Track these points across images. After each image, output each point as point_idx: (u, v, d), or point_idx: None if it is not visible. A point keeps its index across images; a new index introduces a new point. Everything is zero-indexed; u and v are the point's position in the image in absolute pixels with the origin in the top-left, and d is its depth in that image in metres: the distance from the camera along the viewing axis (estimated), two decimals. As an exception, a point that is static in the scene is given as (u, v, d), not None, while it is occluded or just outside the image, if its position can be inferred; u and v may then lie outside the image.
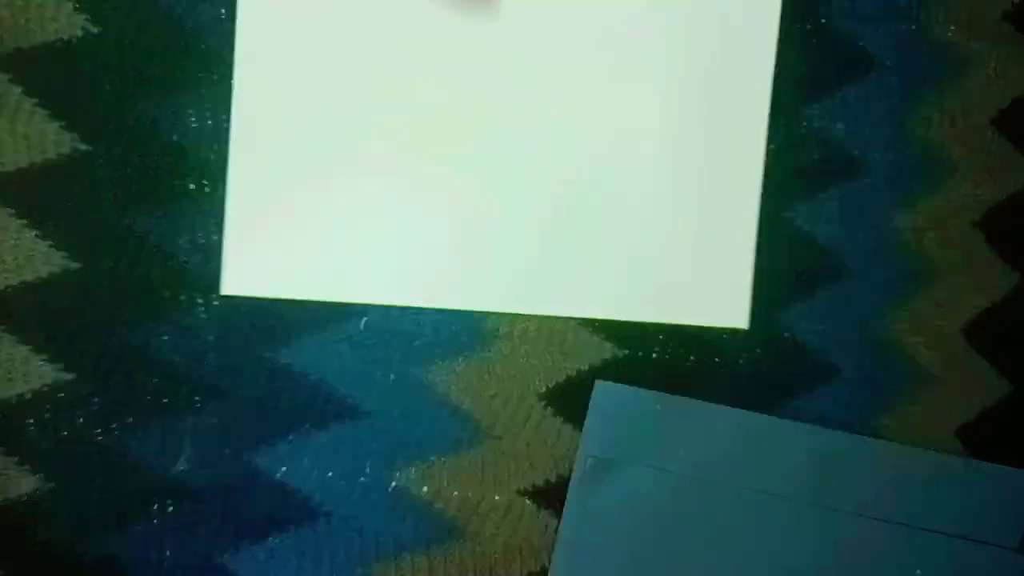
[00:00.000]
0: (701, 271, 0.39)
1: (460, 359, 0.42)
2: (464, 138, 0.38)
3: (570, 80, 0.39)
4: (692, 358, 0.43)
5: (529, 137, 0.38)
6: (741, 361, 0.43)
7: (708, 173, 0.39)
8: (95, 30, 0.40)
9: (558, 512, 0.42)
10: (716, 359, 0.43)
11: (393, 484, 0.42)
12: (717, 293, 0.39)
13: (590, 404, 0.42)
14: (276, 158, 0.39)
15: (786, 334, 0.44)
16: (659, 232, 0.38)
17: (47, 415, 0.40)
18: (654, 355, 0.43)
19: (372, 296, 0.39)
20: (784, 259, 0.43)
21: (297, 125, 0.38)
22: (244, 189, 0.38)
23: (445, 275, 0.39)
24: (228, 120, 0.40)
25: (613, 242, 0.38)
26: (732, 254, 0.39)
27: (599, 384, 0.42)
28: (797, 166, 0.43)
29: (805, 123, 0.43)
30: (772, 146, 0.43)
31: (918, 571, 0.43)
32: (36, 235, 0.40)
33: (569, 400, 0.43)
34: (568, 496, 0.42)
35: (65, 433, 0.40)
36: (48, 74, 0.40)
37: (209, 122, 0.40)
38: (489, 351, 0.42)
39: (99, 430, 0.41)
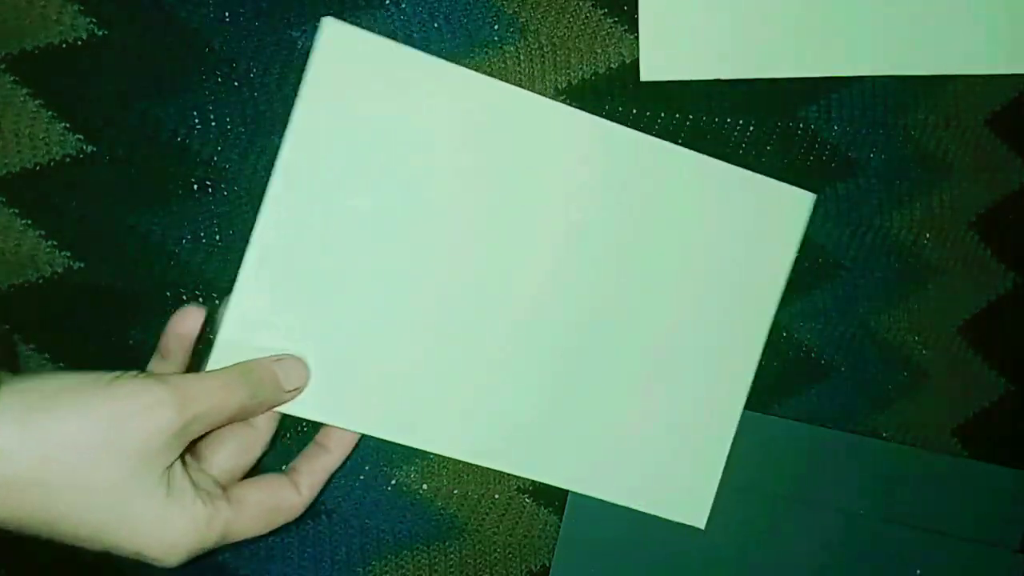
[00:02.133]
0: (673, 467, 0.40)
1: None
2: (484, 302, 0.38)
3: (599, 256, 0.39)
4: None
5: (540, 305, 0.39)
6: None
7: (700, 376, 0.40)
8: (100, 32, 0.40)
9: (558, 510, 0.42)
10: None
11: (393, 482, 0.42)
12: (683, 491, 0.40)
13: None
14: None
15: (784, 334, 0.44)
16: (642, 420, 0.39)
17: (49, 414, 0.40)
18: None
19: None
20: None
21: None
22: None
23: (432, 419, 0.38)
24: (230, 121, 0.41)
25: (594, 416, 0.39)
26: (706, 458, 0.40)
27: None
28: (794, 167, 0.43)
29: (802, 124, 0.43)
30: (770, 147, 0.43)
31: (918, 571, 0.43)
32: (40, 235, 0.40)
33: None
34: (568, 498, 0.42)
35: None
36: (53, 75, 0.40)
37: (213, 123, 0.41)
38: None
39: (101, 429, 0.41)
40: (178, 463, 0.32)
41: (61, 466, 0.29)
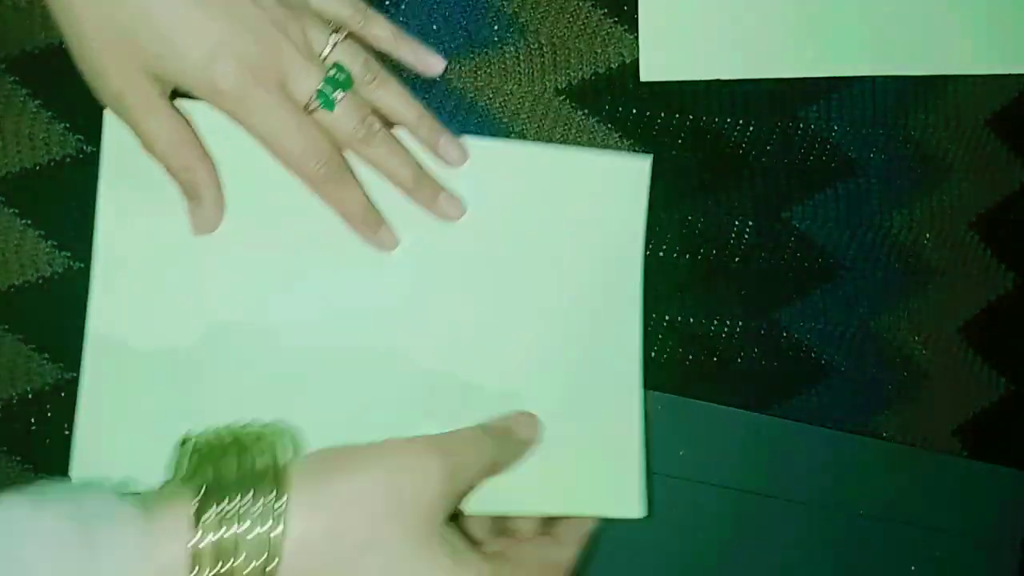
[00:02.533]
0: (589, 465, 0.39)
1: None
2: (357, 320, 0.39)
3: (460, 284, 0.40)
4: (690, 357, 0.43)
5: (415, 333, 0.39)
6: (739, 361, 0.44)
7: (586, 367, 0.40)
8: (100, 33, 0.40)
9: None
10: (715, 358, 0.43)
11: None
12: (609, 486, 0.40)
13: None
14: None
15: (784, 334, 0.44)
16: (544, 424, 0.39)
17: (49, 415, 0.40)
18: (653, 354, 0.43)
19: None
20: (782, 259, 0.44)
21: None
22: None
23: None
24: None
25: None
26: (619, 447, 0.40)
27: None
28: (795, 167, 0.43)
29: (802, 124, 0.43)
30: (770, 147, 0.43)
31: (912, 567, 0.43)
32: (40, 235, 0.40)
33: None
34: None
35: (67, 433, 0.40)
36: (53, 76, 0.40)
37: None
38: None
39: (101, 429, 0.41)
40: (450, 524, 0.33)
41: (354, 521, 0.30)
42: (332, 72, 0.36)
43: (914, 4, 0.43)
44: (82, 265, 0.40)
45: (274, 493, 0.29)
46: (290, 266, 0.39)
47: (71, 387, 0.40)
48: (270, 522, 0.29)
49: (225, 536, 0.29)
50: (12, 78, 0.40)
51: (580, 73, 0.42)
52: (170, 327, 0.39)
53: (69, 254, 0.40)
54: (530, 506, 0.39)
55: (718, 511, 0.42)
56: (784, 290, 0.44)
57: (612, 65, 0.43)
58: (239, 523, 0.29)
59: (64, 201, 0.40)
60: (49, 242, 0.40)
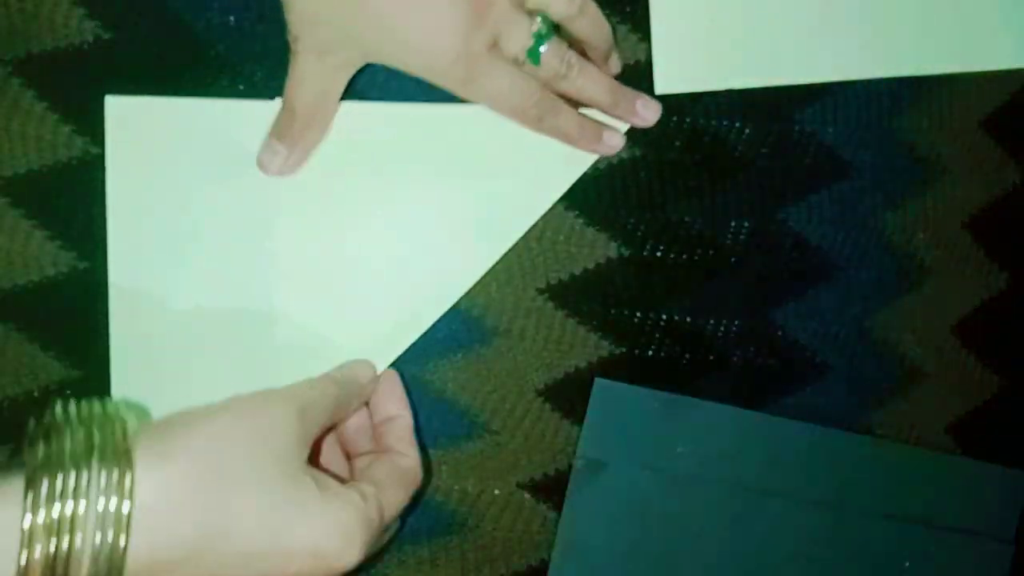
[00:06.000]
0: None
1: (459, 355, 0.43)
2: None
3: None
4: (688, 356, 0.44)
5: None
6: (736, 359, 0.44)
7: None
8: (106, 36, 0.40)
9: (556, 505, 0.43)
10: (711, 357, 0.44)
11: (394, 479, 0.43)
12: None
13: (589, 401, 0.43)
14: None
15: (780, 333, 0.44)
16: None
17: (55, 412, 0.41)
18: (650, 352, 0.43)
19: None
20: (778, 259, 0.44)
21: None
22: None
23: None
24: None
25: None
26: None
27: (599, 382, 0.43)
28: (790, 169, 0.44)
29: (798, 127, 0.44)
30: (766, 149, 0.44)
31: (906, 563, 0.43)
32: (46, 236, 0.41)
33: (567, 397, 0.43)
34: (567, 495, 0.42)
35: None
36: (60, 78, 0.40)
37: (216, 125, 0.41)
38: (487, 348, 0.43)
39: (106, 427, 0.41)
40: (308, 465, 0.33)
41: (211, 469, 0.30)
42: (538, 26, 0.37)
43: (917, 4, 0.43)
44: (88, 265, 0.41)
45: (117, 468, 0.28)
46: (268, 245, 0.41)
47: (77, 385, 0.41)
48: (114, 498, 0.27)
49: (62, 513, 0.27)
50: (19, 80, 0.40)
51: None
52: (186, 312, 0.41)
53: (75, 254, 0.41)
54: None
55: (715, 507, 0.43)
56: (780, 290, 0.44)
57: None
58: (75, 500, 0.27)
59: (70, 202, 0.41)
60: (55, 243, 0.41)
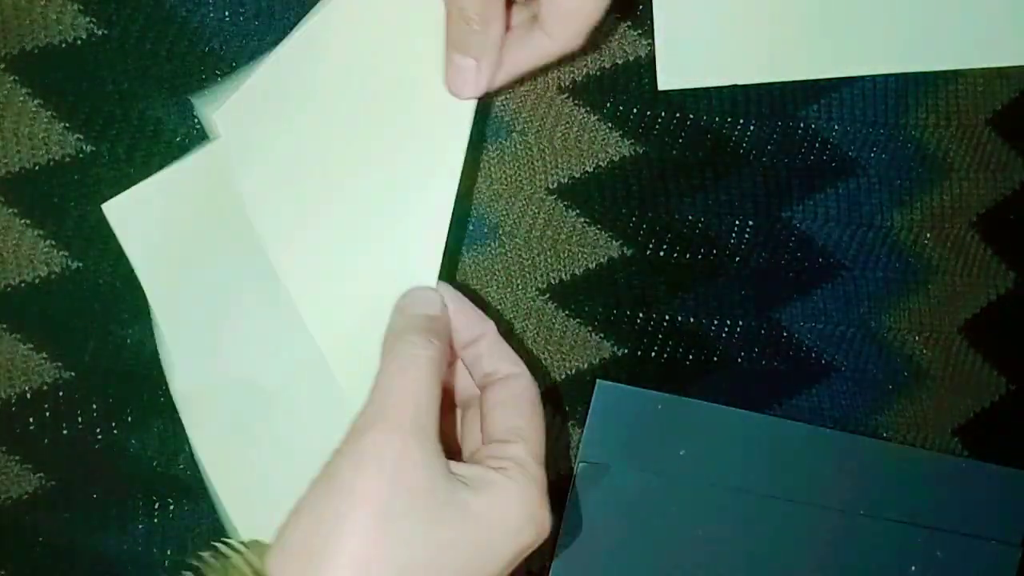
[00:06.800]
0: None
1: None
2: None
3: None
4: (691, 356, 0.43)
5: None
6: (739, 360, 0.44)
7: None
8: (100, 32, 0.40)
9: (556, 511, 0.42)
10: (715, 358, 0.43)
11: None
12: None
13: (591, 403, 0.42)
14: None
15: (784, 334, 0.44)
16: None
17: (48, 414, 0.40)
18: (653, 353, 0.43)
19: None
20: (782, 259, 0.44)
21: None
22: None
23: None
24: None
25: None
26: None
27: (600, 383, 0.42)
28: (795, 167, 0.44)
29: (803, 124, 0.43)
30: (770, 147, 0.43)
31: (912, 567, 0.43)
32: (38, 235, 0.40)
33: (568, 399, 0.43)
34: (568, 498, 0.42)
35: (65, 432, 0.40)
36: (53, 75, 0.40)
37: (211, 123, 0.41)
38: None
39: (99, 429, 0.41)
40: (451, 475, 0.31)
41: (389, 547, 0.29)
42: None
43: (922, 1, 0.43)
44: (80, 265, 0.40)
45: None
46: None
47: (69, 386, 0.40)
48: None
49: None
50: (11, 77, 0.40)
51: (583, 71, 0.42)
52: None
53: (67, 253, 0.40)
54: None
55: (718, 511, 0.42)
56: (784, 290, 0.44)
57: (616, 63, 0.42)
58: None
59: (63, 201, 0.40)
60: (48, 242, 0.40)
